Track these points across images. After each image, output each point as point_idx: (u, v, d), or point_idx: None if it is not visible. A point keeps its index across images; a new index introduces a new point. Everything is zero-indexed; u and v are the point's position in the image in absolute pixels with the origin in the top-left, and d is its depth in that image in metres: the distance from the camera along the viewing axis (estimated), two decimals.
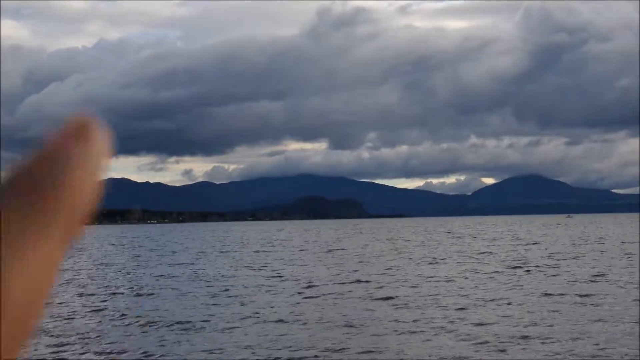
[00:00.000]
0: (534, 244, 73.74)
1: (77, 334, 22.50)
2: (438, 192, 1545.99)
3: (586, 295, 28.62)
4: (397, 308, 26.31)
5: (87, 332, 22.79)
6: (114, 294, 33.90)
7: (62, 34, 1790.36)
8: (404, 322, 23.04)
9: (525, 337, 20.16)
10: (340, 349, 19.29)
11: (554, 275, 37.66)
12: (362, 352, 18.81)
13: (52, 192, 0.97)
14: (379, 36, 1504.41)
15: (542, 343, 19.53)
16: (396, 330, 21.64)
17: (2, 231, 0.91)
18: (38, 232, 0.93)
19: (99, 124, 0.98)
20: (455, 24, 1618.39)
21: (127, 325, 24.23)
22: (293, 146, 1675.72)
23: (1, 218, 0.95)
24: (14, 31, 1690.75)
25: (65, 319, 25.19)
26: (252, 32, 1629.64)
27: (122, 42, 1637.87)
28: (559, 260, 49.13)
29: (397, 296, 29.46)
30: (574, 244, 72.04)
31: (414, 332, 21.30)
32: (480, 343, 19.65)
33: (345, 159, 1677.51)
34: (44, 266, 0.87)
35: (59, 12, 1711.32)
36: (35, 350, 20.50)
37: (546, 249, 63.85)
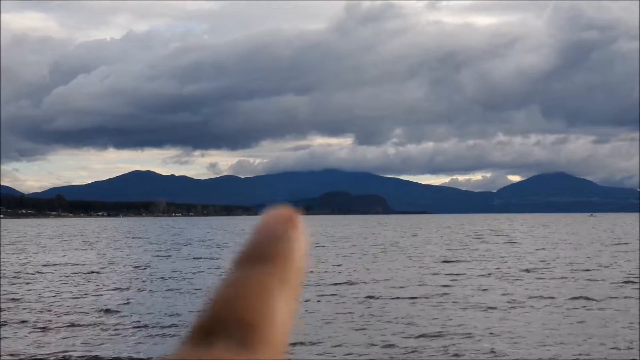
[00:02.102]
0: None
1: None
2: (463, 189, 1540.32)
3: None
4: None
5: None
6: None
7: (89, 25, 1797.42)
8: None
9: None
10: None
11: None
12: None
13: (285, 261, 1.21)
14: (407, 32, 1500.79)
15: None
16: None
17: (258, 287, 1.16)
18: (283, 284, 1.16)
19: (300, 217, 1.30)
20: (484, 20, 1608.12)
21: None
22: (318, 141, 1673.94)
23: (254, 278, 1.18)
24: (42, 23, 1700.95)
25: None
26: (279, 26, 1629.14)
27: (149, 34, 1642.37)
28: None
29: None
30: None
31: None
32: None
33: (371, 155, 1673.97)
34: (289, 310, 1.13)
35: (86, 4, 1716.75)
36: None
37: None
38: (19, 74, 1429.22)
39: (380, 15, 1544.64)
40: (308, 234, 1.29)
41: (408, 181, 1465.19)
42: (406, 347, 19.19)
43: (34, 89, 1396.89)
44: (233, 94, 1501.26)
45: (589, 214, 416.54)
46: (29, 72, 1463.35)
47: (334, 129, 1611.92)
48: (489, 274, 38.94)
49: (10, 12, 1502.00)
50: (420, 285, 33.40)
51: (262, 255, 1.21)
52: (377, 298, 28.61)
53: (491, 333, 21.03)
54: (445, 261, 48.43)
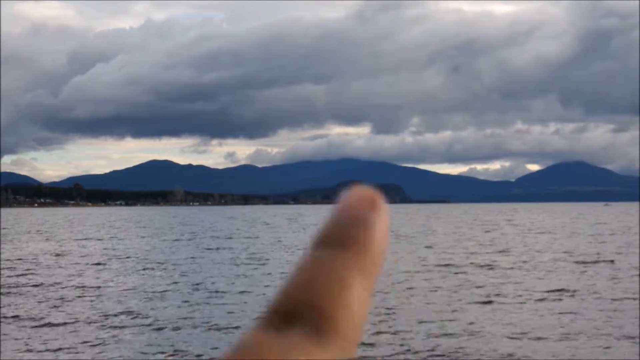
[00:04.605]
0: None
1: None
2: (482, 178, 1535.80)
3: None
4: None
5: None
6: None
7: (108, 14, 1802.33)
8: None
9: None
10: None
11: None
12: None
13: (365, 247, 1.19)
14: (426, 19, 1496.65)
15: None
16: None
17: (335, 274, 1.09)
18: (361, 272, 1.12)
19: (382, 198, 1.25)
20: (502, 8, 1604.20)
21: None
22: (336, 130, 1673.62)
23: (331, 264, 1.13)
24: (60, 11, 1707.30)
25: None
26: (297, 14, 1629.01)
27: (168, 23, 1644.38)
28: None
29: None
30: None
31: None
32: None
33: (388, 144, 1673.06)
34: (365, 300, 1.05)
35: None
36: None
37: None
38: (38, 63, 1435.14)
39: (398, 3, 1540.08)
40: (389, 218, 1.21)
41: (426, 170, 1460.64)
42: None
43: (52, 78, 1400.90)
44: (251, 82, 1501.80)
45: (604, 203, 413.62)
46: (48, 61, 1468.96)
47: (351, 118, 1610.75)
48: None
49: (29, 1, 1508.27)
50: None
51: (340, 240, 1.16)
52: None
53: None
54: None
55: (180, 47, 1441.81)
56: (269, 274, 35.70)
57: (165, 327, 21.52)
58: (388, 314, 23.07)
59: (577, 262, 40.04)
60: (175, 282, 32.67)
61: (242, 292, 29.03)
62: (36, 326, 22.00)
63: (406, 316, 22.69)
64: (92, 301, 27.11)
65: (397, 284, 30.66)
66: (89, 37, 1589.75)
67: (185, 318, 22.97)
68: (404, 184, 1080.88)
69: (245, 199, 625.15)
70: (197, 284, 31.71)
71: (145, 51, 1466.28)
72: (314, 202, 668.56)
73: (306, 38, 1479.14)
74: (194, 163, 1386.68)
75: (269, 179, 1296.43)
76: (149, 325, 21.89)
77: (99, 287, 31.22)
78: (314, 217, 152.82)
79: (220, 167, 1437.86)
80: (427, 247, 54.54)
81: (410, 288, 29.38)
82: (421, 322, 21.65)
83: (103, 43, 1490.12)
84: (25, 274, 36.36)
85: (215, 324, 21.85)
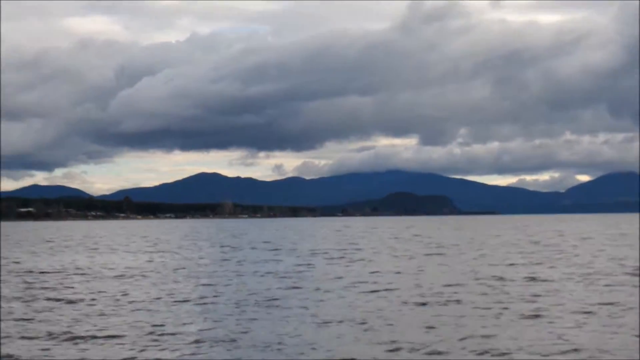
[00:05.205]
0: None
1: None
2: (531, 189, 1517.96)
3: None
4: None
5: None
6: None
7: (154, 29, 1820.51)
8: None
9: None
10: None
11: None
12: None
13: None
14: (471, 30, 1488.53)
15: None
16: None
17: None
18: None
19: None
20: (548, 18, 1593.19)
21: None
22: (383, 142, 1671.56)
23: None
24: (107, 26, 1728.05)
25: None
26: (342, 27, 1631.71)
27: (213, 36, 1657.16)
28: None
29: None
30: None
31: None
32: None
33: (436, 155, 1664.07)
34: None
35: (151, 7, 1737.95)
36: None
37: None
38: (86, 78, 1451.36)
39: (443, 14, 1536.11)
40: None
41: (474, 182, 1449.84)
42: None
43: (100, 92, 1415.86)
44: (297, 95, 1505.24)
45: None
46: (95, 75, 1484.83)
47: (398, 130, 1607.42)
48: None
49: (75, 16, 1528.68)
50: None
51: None
52: None
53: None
54: None
55: (226, 61, 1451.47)
56: (318, 289, 35.97)
57: (221, 340, 21.94)
58: (434, 327, 23.28)
59: (628, 274, 39.78)
60: (221, 293, 33.11)
61: (286, 305, 29.38)
62: (73, 338, 22.57)
63: (451, 331, 22.84)
64: (148, 311, 27.68)
65: (444, 296, 30.80)
66: (136, 51, 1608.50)
67: (244, 332, 23.37)
68: (453, 196, 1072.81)
69: (294, 211, 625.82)
70: (249, 295, 32.12)
71: (191, 65, 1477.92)
72: (363, 214, 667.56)
73: (352, 50, 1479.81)
74: (242, 175, 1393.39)
75: (316, 191, 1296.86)
76: (201, 339, 22.32)
77: (158, 298, 31.80)
78: (362, 229, 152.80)
79: (268, 179, 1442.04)
80: (476, 259, 54.50)
81: (457, 301, 29.50)
82: (467, 337, 21.78)
83: (149, 57, 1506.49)
84: (67, 286, 37.14)
85: (266, 339, 22.21)
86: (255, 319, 25.67)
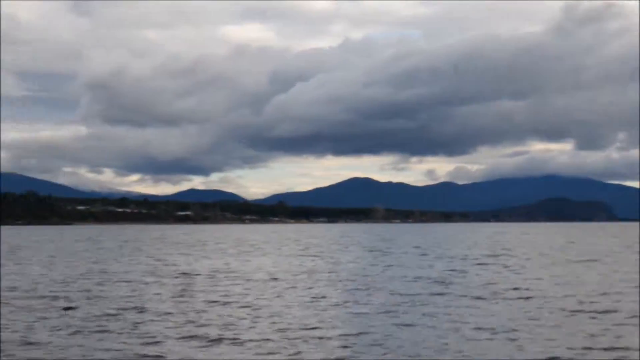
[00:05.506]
0: None
1: None
2: None
3: None
4: None
5: None
6: None
7: (306, 34, 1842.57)
8: None
9: None
10: None
11: None
12: None
13: None
14: (629, 32, 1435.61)
15: None
16: None
17: None
18: None
19: None
20: None
21: None
22: (537, 146, 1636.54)
23: None
24: (261, 33, 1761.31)
25: None
26: (493, 30, 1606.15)
27: (365, 41, 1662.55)
28: None
29: None
30: None
31: None
32: None
33: (592, 160, 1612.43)
34: None
35: (303, 13, 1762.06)
36: None
37: None
38: (240, 84, 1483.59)
39: (600, 16, 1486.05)
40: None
41: (633, 187, 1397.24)
42: None
43: (255, 98, 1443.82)
44: (448, 99, 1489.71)
45: None
46: (250, 81, 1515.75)
47: (553, 134, 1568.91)
48: None
49: (231, 24, 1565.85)
50: None
51: None
52: None
53: None
54: None
55: (378, 65, 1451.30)
56: (480, 297, 35.54)
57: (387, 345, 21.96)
58: (592, 335, 22.58)
59: None
60: (370, 298, 33.13)
61: (434, 311, 29.13)
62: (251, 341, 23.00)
63: (607, 342, 22.11)
64: (297, 314, 27.99)
65: (601, 304, 29.86)
66: (289, 57, 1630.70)
67: (391, 337, 23.30)
68: (611, 202, 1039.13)
69: (446, 217, 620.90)
70: (398, 300, 32.04)
71: (343, 70, 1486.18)
72: (516, 220, 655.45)
73: (504, 53, 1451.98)
74: (394, 180, 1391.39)
75: (469, 196, 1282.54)
76: (348, 344, 22.38)
77: (309, 301, 32.14)
78: (515, 235, 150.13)
79: (420, 184, 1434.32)
80: (635, 266, 52.65)
81: (614, 310, 28.57)
82: (624, 348, 21.05)
83: (302, 62, 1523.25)
84: (225, 291, 37.96)
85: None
86: (403, 324, 25.56)
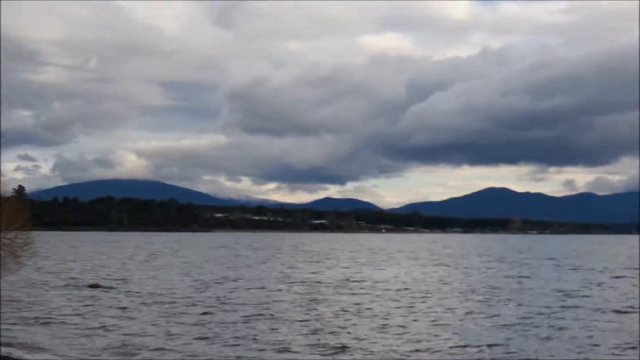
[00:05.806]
0: None
1: None
2: None
3: None
4: None
5: None
6: None
7: (444, 44, 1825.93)
8: None
9: None
10: None
11: None
12: None
13: None
14: None
15: None
16: None
17: None
18: None
19: None
20: None
21: None
22: None
23: None
24: (398, 42, 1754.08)
25: None
26: (636, 38, 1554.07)
27: (504, 50, 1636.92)
28: None
29: None
30: None
31: None
32: None
33: None
34: None
35: (442, 23, 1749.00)
36: None
37: None
38: (378, 93, 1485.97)
39: None
40: None
41: None
42: None
43: (392, 107, 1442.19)
44: (590, 108, 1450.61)
45: None
46: (387, 90, 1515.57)
47: None
48: None
49: (370, 34, 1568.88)
50: None
51: None
52: None
53: None
54: None
55: (516, 74, 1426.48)
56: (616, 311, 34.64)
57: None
58: None
59: None
60: (501, 310, 32.74)
61: (565, 325, 28.58)
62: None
63: None
64: (427, 327, 27.96)
65: None
66: (427, 66, 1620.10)
67: (522, 352, 23.07)
68: None
69: (585, 228, 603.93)
70: (528, 313, 31.60)
71: (482, 79, 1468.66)
72: None
73: None
74: (532, 191, 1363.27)
75: (610, 207, 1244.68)
76: (483, 357, 22.23)
77: (444, 312, 32.09)
78: None
79: (558, 195, 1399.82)
80: None
81: None
82: None
83: (440, 72, 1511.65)
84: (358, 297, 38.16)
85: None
86: (533, 337, 25.21)
